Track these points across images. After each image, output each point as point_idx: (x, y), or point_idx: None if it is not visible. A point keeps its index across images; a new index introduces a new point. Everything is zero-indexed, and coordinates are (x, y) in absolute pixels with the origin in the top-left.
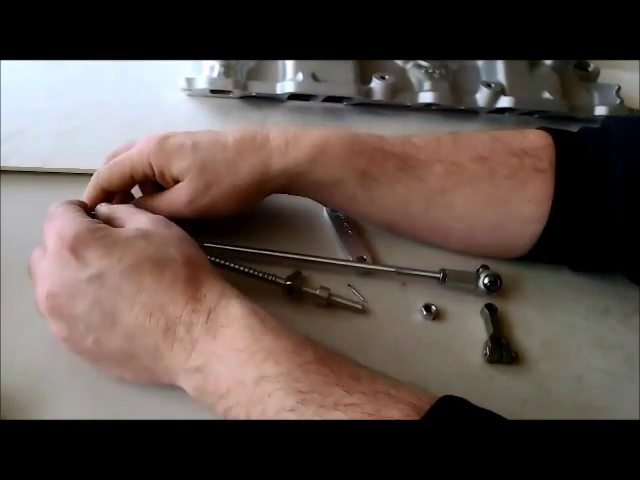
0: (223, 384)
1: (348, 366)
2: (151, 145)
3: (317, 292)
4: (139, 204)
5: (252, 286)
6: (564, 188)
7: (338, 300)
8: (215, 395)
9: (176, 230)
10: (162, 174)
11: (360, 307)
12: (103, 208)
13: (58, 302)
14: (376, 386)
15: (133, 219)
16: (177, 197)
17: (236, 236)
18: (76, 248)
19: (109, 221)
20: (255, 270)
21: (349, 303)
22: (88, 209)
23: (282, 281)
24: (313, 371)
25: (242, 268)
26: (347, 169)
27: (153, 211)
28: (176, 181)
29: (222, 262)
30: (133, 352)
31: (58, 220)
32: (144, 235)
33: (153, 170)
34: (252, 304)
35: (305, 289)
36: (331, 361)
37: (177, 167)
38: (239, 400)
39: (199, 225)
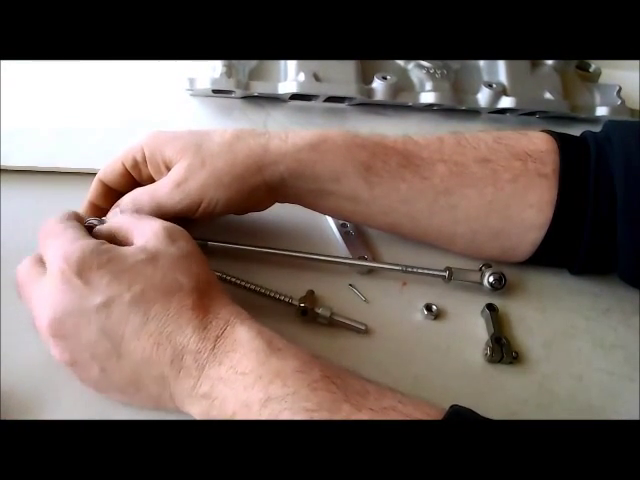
0: (229, 408)
1: (355, 382)
2: (146, 134)
3: (320, 311)
4: (124, 201)
5: (264, 304)
6: (567, 196)
7: (340, 320)
8: (220, 418)
9: (183, 246)
10: (153, 158)
11: (363, 328)
12: (104, 227)
13: (63, 329)
14: (384, 402)
15: (138, 232)
16: (166, 180)
17: (240, 235)
18: (83, 273)
19: (112, 236)
20: (269, 290)
21: (351, 323)
22: (83, 221)
23: (296, 303)
24: (320, 389)
25: (256, 288)
26: (349, 162)
27: (136, 203)
28: (168, 168)
29: (237, 281)
30: (139, 381)
31: (60, 239)
32: (151, 258)
33: (144, 154)
34: (259, 325)
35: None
36: (338, 378)
37: (171, 148)
38: None
39: (203, 225)
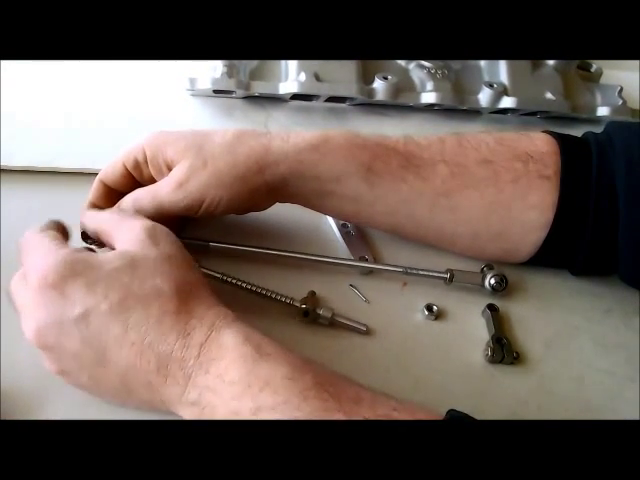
0: (219, 416)
1: (349, 389)
2: (147, 135)
3: (321, 312)
4: (125, 201)
5: (265, 305)
6: (568, 198)
7: (341, 321)
8: None
9: (165, 248)
10: (155, 159)
11: (364, 329)
12: (89, 221)
13: (47, 341)
14: (378, 409)
15: (119, 234)
16: (167, 180)
17: (241, 236)
18: (58, 285)
19: (97, 235)
20: (270, 292)
21: (352, 324)
22: (63, 230)
23: (298, 304)
24: (312, 397)
25: (257, 289)
26: (350, 163)
27: (137, 204)
28: (169, 168)
29: (238, 283)
30: (128, 388)
31: (35, 252)
32: (129, 264)
33: (145, 155)
34: (247, 329)
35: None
36: (331, 385)
37: (173, 148)
38: None
39: (204, 226)
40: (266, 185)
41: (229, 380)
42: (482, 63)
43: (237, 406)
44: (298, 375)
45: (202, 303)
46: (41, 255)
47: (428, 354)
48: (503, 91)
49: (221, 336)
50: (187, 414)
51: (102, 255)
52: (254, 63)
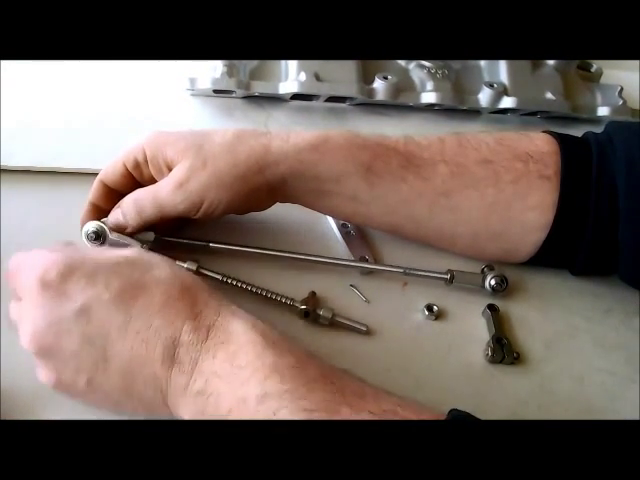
0: (224, 404)
1: (352, 383)
2: (147, 135)
3: (321, 313)
4: (126, 201)
5: (266, 306)
6: (568, 198)
7: (342, 321)
8: (216, 417)
9: (159, 256)
10: (155, 159)
11: (364, 329)
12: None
13: (44, 343)
14: (382, 404)
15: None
16: (167, 180)
17: (241, 236)
18: (55, 282)
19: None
20: (271, 292)
21: (353, 324)
22: None
23: (298, 305)
24: (318, 389)
25: (257, 290)
26: (350, 162)
27: (137, 204)
28: (169, 168)
29: (238, 284)
30: (130, 386)
31: (26, 261)
32: (127, 260)
33: (145, 155)
34: (252, 317)
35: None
36: (335, 378)
37: (173, 149)
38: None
39: (204, 226)
40: (266, 185)
41: (237, 364)
42: (482, 63)
43: (244, 392)
44: (303, 365)
45: (203, 291)
46: (35, 260)
47: (428, 354)
48: (503, 91)
49: (228, 321)
50: (190, 408)
51: (99, 254)
52: (254, 63)
